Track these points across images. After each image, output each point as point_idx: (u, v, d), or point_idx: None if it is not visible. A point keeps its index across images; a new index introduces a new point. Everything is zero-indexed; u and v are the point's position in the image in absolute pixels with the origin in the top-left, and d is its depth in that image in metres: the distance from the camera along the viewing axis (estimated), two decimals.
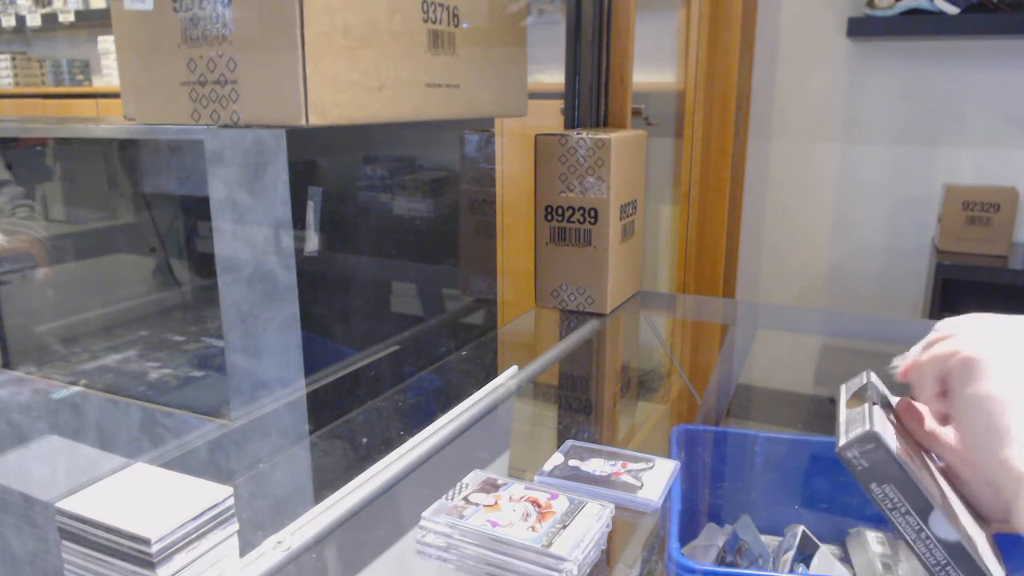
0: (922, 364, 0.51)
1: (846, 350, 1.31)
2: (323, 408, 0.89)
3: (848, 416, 0.54)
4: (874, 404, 0.54)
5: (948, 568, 0.48)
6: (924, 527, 0.48)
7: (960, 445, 0.51)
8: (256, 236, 0.85)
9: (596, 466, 0.75)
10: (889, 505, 0.49)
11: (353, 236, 0.95)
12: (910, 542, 0.49)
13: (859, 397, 0.56)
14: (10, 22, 3.74)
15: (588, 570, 0.59)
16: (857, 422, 0.52)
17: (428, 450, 0.78)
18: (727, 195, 2.14)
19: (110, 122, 1.26)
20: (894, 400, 0.58)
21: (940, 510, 0.48)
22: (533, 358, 1.06)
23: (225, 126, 0.83)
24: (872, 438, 0.49)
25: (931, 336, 0.53)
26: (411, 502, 0.68)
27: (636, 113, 1.92)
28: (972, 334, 0.49)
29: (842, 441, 0.51)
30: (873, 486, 0.50)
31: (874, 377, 0.59)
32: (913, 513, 0.49)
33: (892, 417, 0.55)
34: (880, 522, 0.72)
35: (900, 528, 0.49)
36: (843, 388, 0.59)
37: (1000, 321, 0.51)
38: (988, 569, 0.47)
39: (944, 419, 0.52)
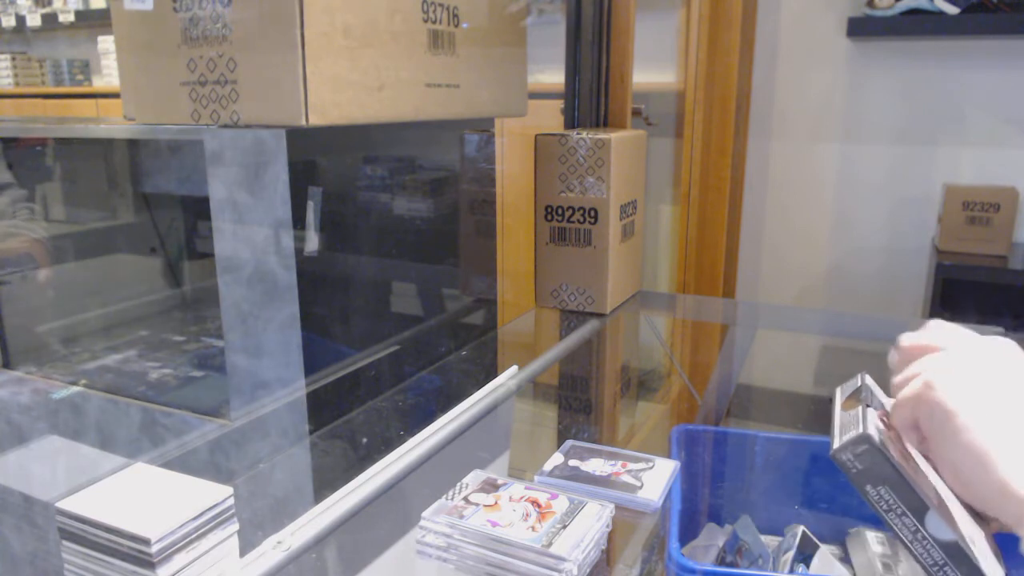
0: (895, 408, 0.52)
1: (846, 350, 1.31)
2: (323, 408, 0.89)
3: (843, 419, 0.54)
4: (868, 406, 0.54)
5: (946, 568, 0.48)
6: (920, 528, 0.48)
7: (953, 483, 0.50)
8: (256, 236, 0.85)
9: (596, 466, 0.75)
10: (885, 507, 0.49)
11: (353, 236, 0.95)
12: (907, 543, 0.49)
13: (854, 399, 0.56)
14: (10, 22, 3.74)
15: (588, 570, 0.59)
16: (851, 425, 0.52)
17: (428, 450, 0.78)
18: (727, 195, 2.14)
19: (110, 122, 1.26)
20: (888, 402, 0.58)
21: (936, 510, 0.48)
22: (533, 358, 1.06)
23: (225, 126, 0.83)
24: (865, 440, 0.50)
25: (903, 369, 0.53)
26: (411, 502, 0.68)
27: (636, 113, 1.92)
28: (937, 372, 0.49)
29: (836, 444, 0.51)
30: (868, 488, 0.50)
31: (869, 379, 0.59)
32: (909, 514, 0.49)
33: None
34: (880, 522, 0.72)
35: (896, 529, 0.49)
36: (838, 391, 0.59)
37: (967, 347, 0.51)
38: (986, 569, 0.47)
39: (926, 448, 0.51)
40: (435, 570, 0.62)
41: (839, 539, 0.74)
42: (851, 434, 0.51)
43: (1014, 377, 0.48)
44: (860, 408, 0.54)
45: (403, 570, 0.65)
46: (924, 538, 0.48)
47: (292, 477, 0.84)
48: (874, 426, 0.51)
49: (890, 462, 0.49)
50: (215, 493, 0.52)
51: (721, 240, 2.16)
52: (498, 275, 1.24)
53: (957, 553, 0.47)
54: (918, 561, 0.49)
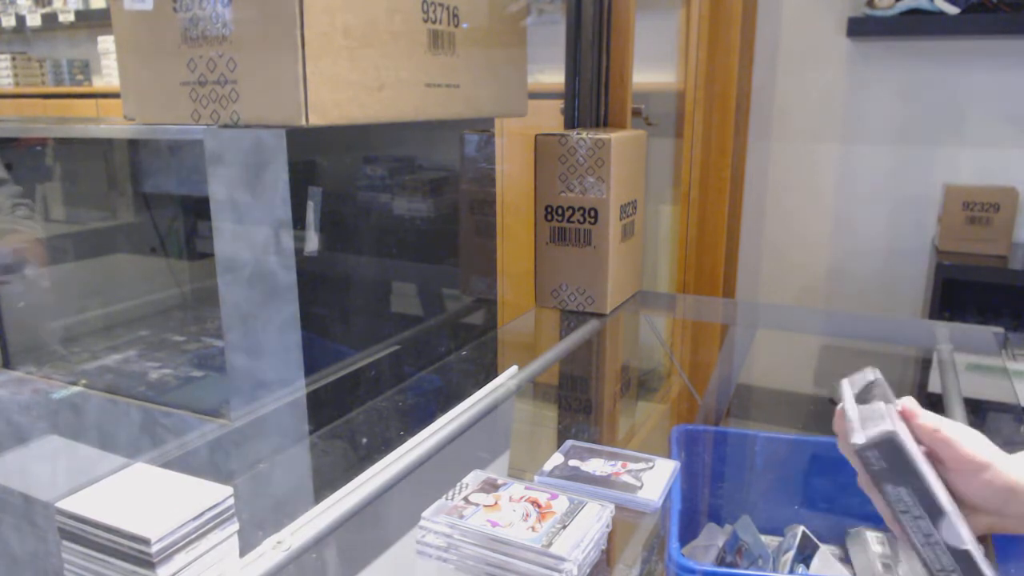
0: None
1: (846, 350, 1.31)
2: (323, 408, 0.89)
3: (862, 413, 0.52)
4: (888, 403, 0.53)
5: (954, 574, 0.47)
6: (935, 532, 0.48)
7: None
8: (256, 236, 0.85)
9: (596, 466, 0.75)
10: (902, 507, 0.48)
11: (353, 236, 0.95)
12: (918, 546, 0.48)
13: (868, 393, 0.55)
14: (10, 22, 3.74)
15: (588, 570, 0.59)
16: (874, 420, 0.50)
17: (428, 450, 0.78)
18: (727, 195, 2.14)
19: (110, 122, 1.26)
20: (898, 402, 0.57)
21: (951, 517, 0.47)
22: (533, 358, 1.06)
23: (225, 126, 0.83)
24: (892, 438, 0.49)
25: None
26: (411, 502, 0.68)
27: (636, 113, 1.91)
28: None
29: (860, 438, 0.49)
30: (888, 487, 0.49)
31: (879, 374, 0.58)
32: (925, 517, 0.48)
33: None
34: (880, 522, 0.72)
35: (909, 531, 0.48)
36: (846, 383, 0.58)
37: None
38: None
39: None
40: (435, 570, 0.62)
41: (839, 539, 0.74)
42: (877, 430, 0.49)
43: None
44: (882, 404, 0.52)
45: (403, 570, 0.65)
46: (937, 543, 0.47)
47: (292, 477, 0.84)
48: (900, 425, 0.50)
49: (914, 464, 0.48)
50: (215, 493, 0.52)
51: (721, 240, 2.16)
52: (498, 275, 1.24)
53: (967, 561, 0.47)
54: (924, 565, 0.48)
